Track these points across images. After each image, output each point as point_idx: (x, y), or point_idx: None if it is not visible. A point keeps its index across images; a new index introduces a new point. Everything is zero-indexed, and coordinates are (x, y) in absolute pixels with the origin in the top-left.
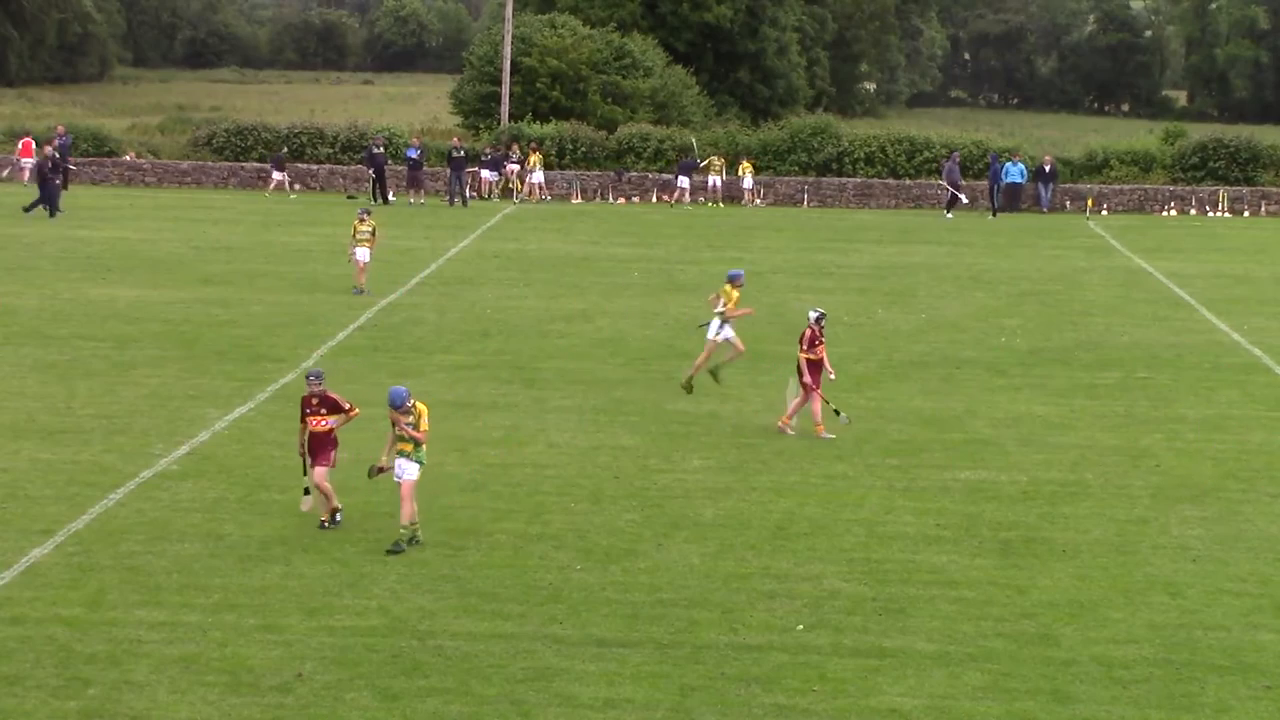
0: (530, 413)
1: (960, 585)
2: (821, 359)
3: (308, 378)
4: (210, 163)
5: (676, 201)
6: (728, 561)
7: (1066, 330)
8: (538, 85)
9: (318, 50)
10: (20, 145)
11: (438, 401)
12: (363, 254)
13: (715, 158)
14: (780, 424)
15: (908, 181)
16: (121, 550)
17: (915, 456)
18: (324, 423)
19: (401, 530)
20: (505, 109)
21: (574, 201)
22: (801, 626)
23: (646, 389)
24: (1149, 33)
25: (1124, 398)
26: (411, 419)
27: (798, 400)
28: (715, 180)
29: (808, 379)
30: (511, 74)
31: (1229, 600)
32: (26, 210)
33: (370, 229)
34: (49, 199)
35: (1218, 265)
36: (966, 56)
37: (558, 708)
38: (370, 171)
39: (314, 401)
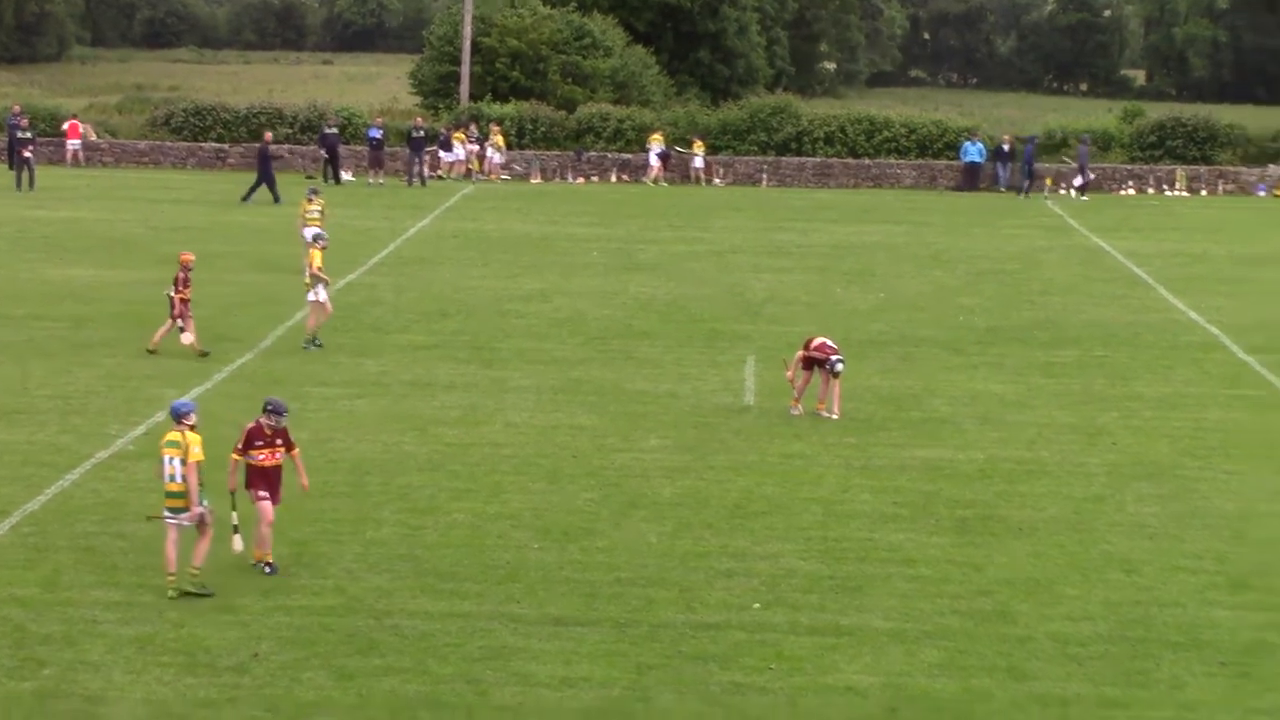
0: (488, 392)
1: (917, 563)
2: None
3: (267, 409)
4: (169, 142)
5: (654, 181)
6: (685, 540)
7: (1024, 309)
8: (497, 65)
9: (277, 30)
10: None
11: (396, 381)
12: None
13: (697, 141)
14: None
15: (867, 161)
16: (77, 531)
17: (873, 435)
18: (276, 456)
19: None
20: (465, 89)
21: (533, 181)
22: (758, 605)
23: (605, 368)
24: (1108, 12)
25: (1081, 376)
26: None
27: (801, 381)
28: (698, 161)
29: (791, 374)
30: (471, 54)
31: (1184, 577)
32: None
33: (319, 209)
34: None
35: (1175, 244)
36: (926, 36)
37: (514, 686)
38: (322, 152)
39: (268, 434)
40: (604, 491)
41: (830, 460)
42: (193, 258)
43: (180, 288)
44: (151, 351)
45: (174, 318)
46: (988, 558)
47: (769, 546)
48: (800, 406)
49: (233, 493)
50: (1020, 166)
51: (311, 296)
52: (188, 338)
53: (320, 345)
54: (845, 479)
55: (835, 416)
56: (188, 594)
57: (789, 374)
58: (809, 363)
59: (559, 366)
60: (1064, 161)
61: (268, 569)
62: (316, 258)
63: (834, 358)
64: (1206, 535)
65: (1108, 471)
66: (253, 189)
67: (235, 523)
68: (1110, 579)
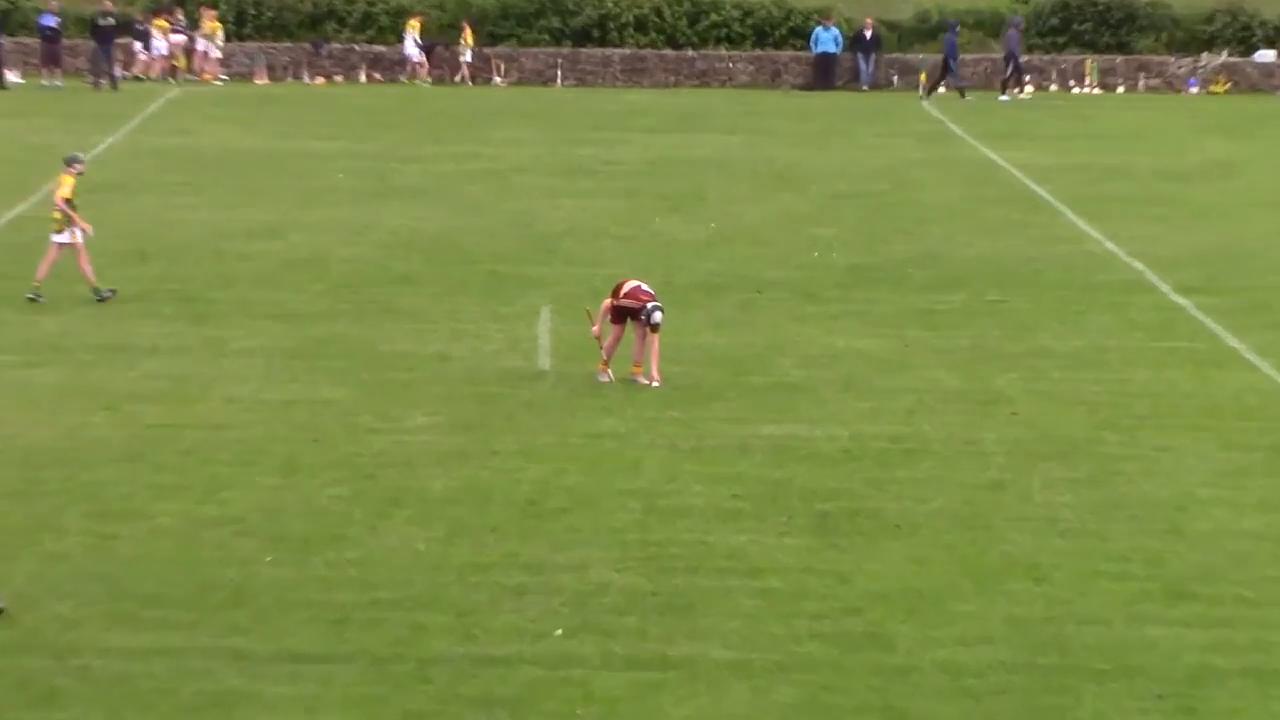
0: (203, 358)
1: (765, 573)
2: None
3: None
4: None
5: (415, 80)
6: (463, 548)
7: (896, 241)
8: None
9: None
10: None
11: (80, 345)
12: None
13: (466, 29)
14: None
15: (691, 53)
16: None
17: (704, 408)
18: None
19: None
20: None
21: (258, 82)
22: (560, 631)
23: (356, 324)
24: None
25: (970, 327)
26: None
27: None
28: (468, 55)
29: (598, 329)
30: None
31: (1108, 585)
32: None
33: None
34: None
35: (1086, 155)
36: None
37: None
38: None
39: None
40: (356, 486)
41: (651, 441)
42: None
43: None
44: None
45: None
46: (856, 565)
47: (573, 554)
48: (610, 372)
49: None
50: (943, 62)
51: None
52: None
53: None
54: (670, 465)
55: (655, 383)
56: None
57: (595, 329)
58: (620, 314)
59: (295, 323)
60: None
61: None
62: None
63: (650, 305)
64: (1134, 530)
65: (1007, 450)
66: None
67: None
68: (1013, 590)
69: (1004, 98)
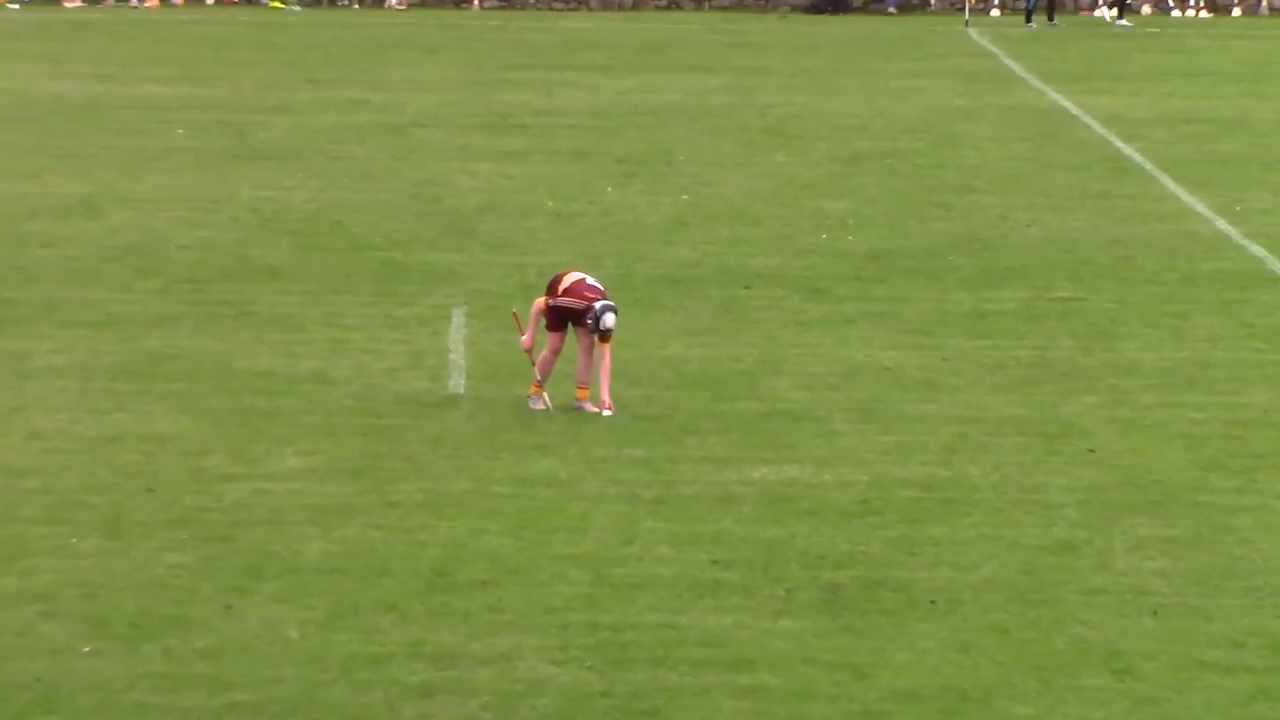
0: None
1: (754, 666)
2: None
3: None
4: None
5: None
6: (348, 634)
7: (933, 219)
8: None
9: None
10: None
11: None
12: None
13: None
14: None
15: None
16: None
17: (674, 444)
18: None
19: None
20: None
21: (68, 5)
22: None
23: (201, 334)
24: None
25: (1033, 335)
26: None
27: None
28: None
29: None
30: None
31: (1214, 680)
32: None
33: None
34: None
35: (1190, 102)
36: None
37: None
38: None
39: None
40: (205, 551)
41: (601, 489)
42: None
43: None
44: None
45: None
46: (877, 655)
47: (496, 642)
48: (546, 397)
49: None
50: None
51: None
52: None
53: None
54: (628, 521)
55: (608, 411)
56: None
57: (525, 339)
58: (559, 318)
59: (120, 331)
60: None
61: None
62: None
63: (599, 305)
64: (1250, 607)
65: (1080, 500)
66: None
67: None
68: (1088, 686)
69: (1122, 22)
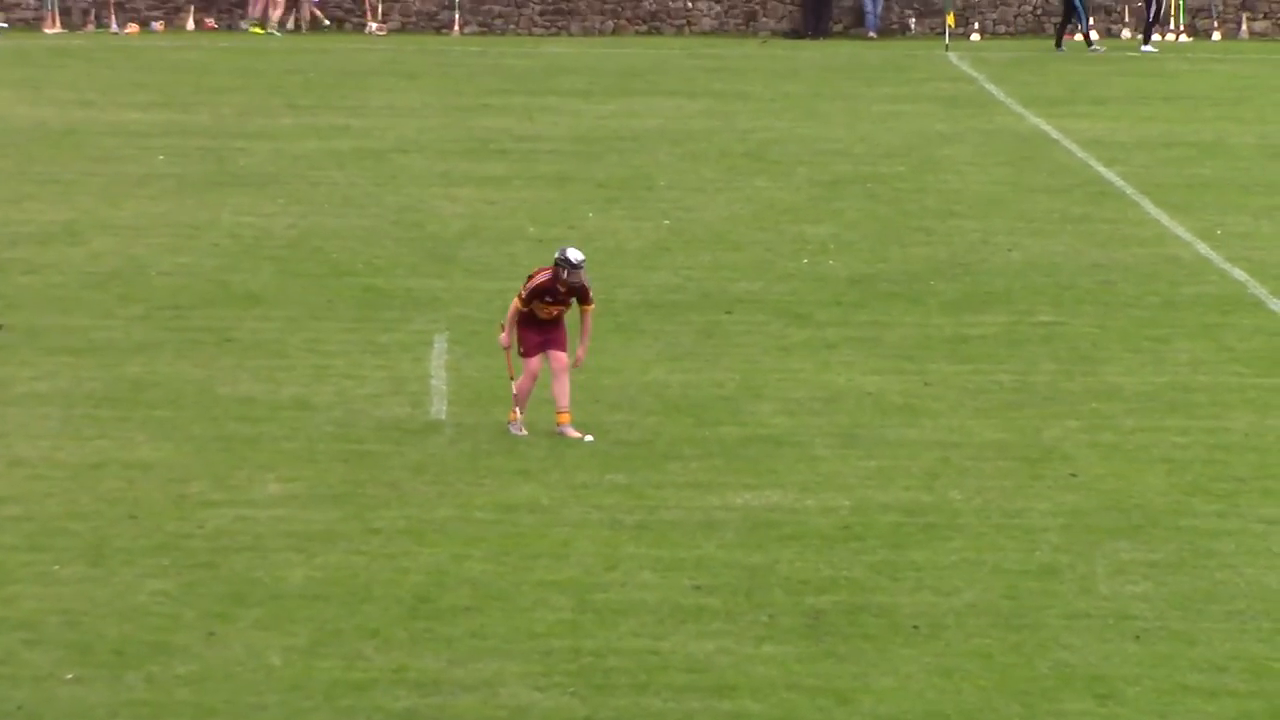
0: None
1: (737, 692)
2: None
3: None
4: None
5: (262, 26)
6: (331, 660)
7: (914, 243)
8: None
9: None
10: None
11: None
12: None
13: None
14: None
15: None
16: None
17: (656, 469)
18: None
19: None
20: None
21: (49, 31)
22: None
23: (183, 360)
24: None
25: (1014, 359)
26: None
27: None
28: None
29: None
30: None
31: (1197, 705)
32: None
33: None
34: None
35: (1169, 126)
36: None
37: None
38: None
39: None
40: (187, 577)
41: (583, 515)
42: None
43: None
44: None
45: None
46: (860, 680)
47: (479, 668)
48: (520, 420)
49: None
50: None
51: None
52: None
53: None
54: (610, 547)
55: (589, 437)
56: None
57: (503, 337)
58: (534, 320)
59: (102, 358)
60: None
61: None
62: None
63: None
64: (1233, 631)
65: (1063, 525)
66: None
67: None
68: (1072, 711)
69: (1146, 47)
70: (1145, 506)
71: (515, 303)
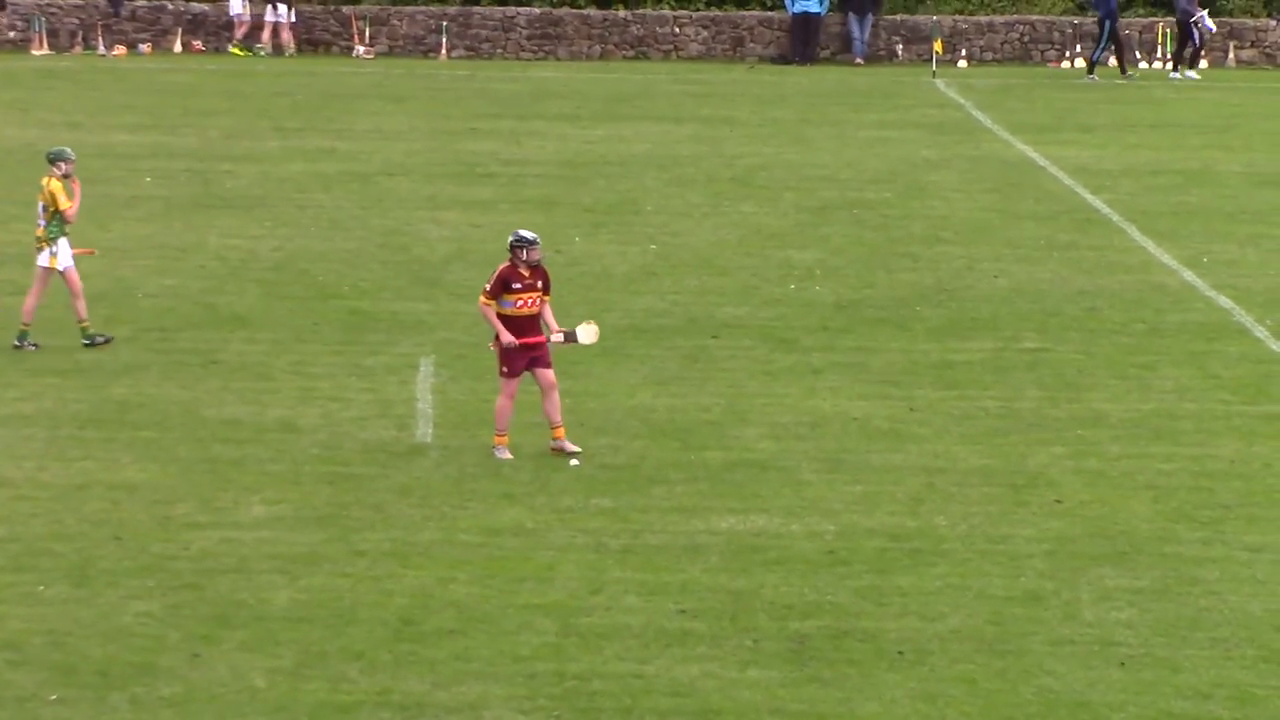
0: None
1: (724, 717)
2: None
3: None
4: None
5: (246, 48)
6: (315, 683)
7: (901, 269)
8: None
9: None
10: None
11: None
12: None
13: None
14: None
15: (623, 13)
16: None
17: (641, 493)
18: None
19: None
20: None
21: (36, 53)
22: None
23: (169, 382)
24: None
25: (1000, 385)
26: None
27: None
28: (283, 10)
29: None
30: None
31: None
32: None
33: None
34: None
35: (1156, 153)
36: None
37: None
38: None
39: None
40: (172, 599)
41: (568, 538)
42: None
43: None
44: None
45: None
46: (844, 705)
47: (463, 691)
48: (505, 444)
49: None
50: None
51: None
52: None
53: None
54: (595, 571)
55: (575, 461)
56: None
57: (495, 344)
58: (509, 322)
59: (87, 379)
60: (963, 11)
61: None
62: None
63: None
64: (1217, 659)
65: (1048, 551)
66: None
67: None
68: None
69: (1176, 75)
70: (1130, 533)
71: (482, 299)
